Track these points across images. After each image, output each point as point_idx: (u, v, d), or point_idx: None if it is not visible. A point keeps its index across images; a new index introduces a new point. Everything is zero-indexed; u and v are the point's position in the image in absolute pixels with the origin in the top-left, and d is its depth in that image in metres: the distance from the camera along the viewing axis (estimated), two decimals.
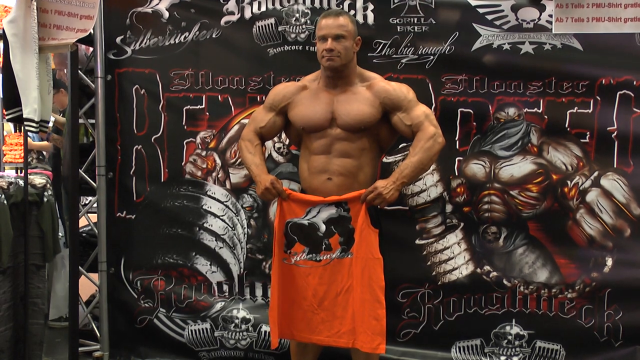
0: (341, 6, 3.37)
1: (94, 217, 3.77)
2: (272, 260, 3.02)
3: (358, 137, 2.93)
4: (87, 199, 4.58)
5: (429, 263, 3.44)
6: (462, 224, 3.42)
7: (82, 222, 3.87)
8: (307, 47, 3.42)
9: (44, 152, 5.62)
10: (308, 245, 2.94)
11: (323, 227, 2.91)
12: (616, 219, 3.35)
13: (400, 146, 3.38)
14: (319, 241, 2.92)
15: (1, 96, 4.00)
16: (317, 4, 3.38)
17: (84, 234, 4.05)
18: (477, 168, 3.39)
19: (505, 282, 3.42)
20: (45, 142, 5.01)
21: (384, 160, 3.38)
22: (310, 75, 3.08)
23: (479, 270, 3.43)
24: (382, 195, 2.82)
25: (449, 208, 3.42)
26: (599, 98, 3.31)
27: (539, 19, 3.31)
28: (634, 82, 3.29)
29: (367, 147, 2.96)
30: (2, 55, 3.60)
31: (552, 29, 3.29)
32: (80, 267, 3.70)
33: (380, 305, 2.84)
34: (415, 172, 2.89)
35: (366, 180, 2.94)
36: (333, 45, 2.88)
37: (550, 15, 3.29)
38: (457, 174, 3.40)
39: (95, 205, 3.72)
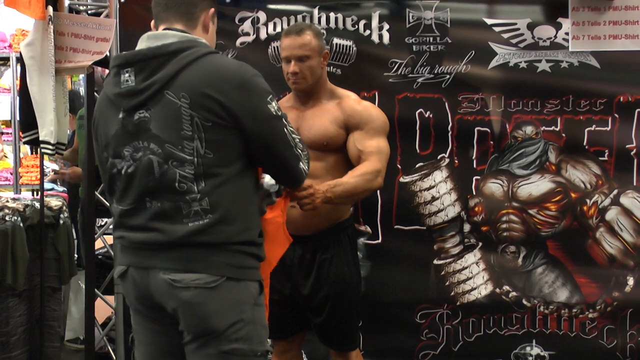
0: (356, 26, 3.37)
1: (109, 239, 3.75)
2: None
3: (323, 156, 2.74)
4: (103, 221, 4.58)
5: (447, 283, 3.40)
6: (480, 244, 3.38)
7: (99, 244, 3.86)
8: None
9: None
10: None
11: None
12: (637, 237, 3.31)
13: (417, 165, 3.36)
14: None
15: (18, 118, 4.02)
16: (332, 24, 3.38)
17: (100, 256, 4.04)
18: (495, 187, 3.37)
19: (524, 302, 3.38)
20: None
21: (401, 180, 3.35)
22: (286, 96, 2.97)
23: (498, 290, 3.39)
24: (313, 196, 2.45)
25: (467, 227, 3.38)
26: (617, 115, 3.29)
27: (556, 37, 3.30)
28: None
29: (333, 166, 2.75)
30: (19, 78, 3.63)
31: (568, 46, 3.28)
32: (96, 290, 3.69)
33: None
34: (344, 195, 2.61)
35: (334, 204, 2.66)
36: (297, 67, 2.72)
37: (567, 33, 3.28)
38: (474, 193, 3.37)
39: (111, 226, 3.70)
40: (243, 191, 1.95)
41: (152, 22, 2.05)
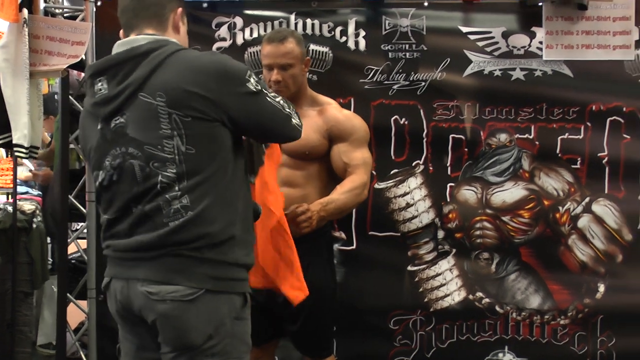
0: (332, 33, 3.38)
1: (83, 244, 3.73)
2: None
3: (304, 164, 2.74)
4: (77, 225, 4.54)
5: (420, 290, 3.41)
6: (454, 250, 3.40)
7: (72, 248, 3.83)
8: None
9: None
10: None
11: None
12: (608, 245, 3.35)
13: (392, 172, 3.38)
14: None
15: None
16: (308, 30, 3.39)
17: (73, 261, 4.01)
18: (469, 194, 3.39)
19: (497, 308, 3.40)
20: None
21: (376, 186, 3.36)
22: None
23: (471, 296, 3.41)
24: (311, 219, 2.53)
25: (441, 234, 3.40)
26: (589, 124, 3.33)
27: (530, 45, 3.34)
28: (624, 109, 3.31)
29: (314, 175, 2.76)
30: None
31: (542, 55, 3.32)
32: (69, 294, 3.66)
33: None
34: (336, 212, 2.67)
35: None
36: (280, 75, 2.69)
37: (541, 42, 3.32)
38: (449, 199, 3.39)
39: (85, 231, 3.68)
40: (227, 186, 1.92)
41: (121, 32, 2.03)
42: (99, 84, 1.92)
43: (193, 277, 1.87)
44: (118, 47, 1.94)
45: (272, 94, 2.00)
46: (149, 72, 1.86)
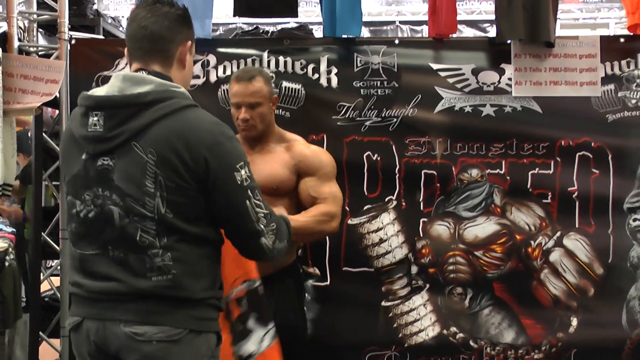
0: (305, 70, 3.42)
1: (56, 281, 3.70)
2: None
3: (273, 200, 2.68)
4: (50, 263, 4.51)
5: (395, 325, 3.41)
6: (427, 285, 3.40)
7: (45, 286, 3.80)
8: None
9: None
10: None
11: None
12: (580, 279, 3.37)
13: (365, 207, 3.39)
14: None
15: None
16: (281, 68, 3.42)
17: (46, 299, 3.98)
18: (441, 229, 3.41)
19: (472, 343, 3.40)
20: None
21: (349, 222, 3.37)
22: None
23: (445, 331, 3.41)
24: None
25: (414, 269, 3.41)
26: (559, 159, 3.37)
27: (499, 82, 3.39)
28: (592, 144, 3.36)
29: (282, 211, 2.72)
30: None
31: (512, 91, 3.37)
32: (41, 333, 3.62)
33: None
34: (296, 234, 2.57)
35: None
36: (248, 114, 2.75)
37: (510, 79, 3.38)
38: (422, 235, 3.40)
39: (59, 268, 3.65)
40: (208, 248, 1.93)
41: (126, 51, 1.98)
42: (95, 117, 1.86)
43: (177, 318, 1.88)
44: (123, 83, 1.88)
45: (257, 200, 1.93)
46: (147, 124, 1.83)
